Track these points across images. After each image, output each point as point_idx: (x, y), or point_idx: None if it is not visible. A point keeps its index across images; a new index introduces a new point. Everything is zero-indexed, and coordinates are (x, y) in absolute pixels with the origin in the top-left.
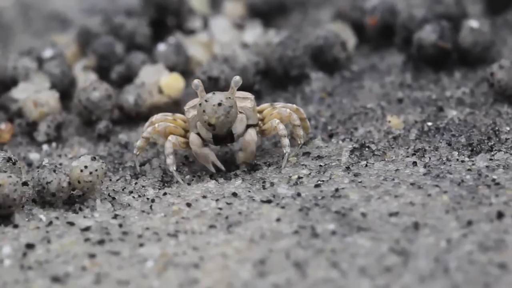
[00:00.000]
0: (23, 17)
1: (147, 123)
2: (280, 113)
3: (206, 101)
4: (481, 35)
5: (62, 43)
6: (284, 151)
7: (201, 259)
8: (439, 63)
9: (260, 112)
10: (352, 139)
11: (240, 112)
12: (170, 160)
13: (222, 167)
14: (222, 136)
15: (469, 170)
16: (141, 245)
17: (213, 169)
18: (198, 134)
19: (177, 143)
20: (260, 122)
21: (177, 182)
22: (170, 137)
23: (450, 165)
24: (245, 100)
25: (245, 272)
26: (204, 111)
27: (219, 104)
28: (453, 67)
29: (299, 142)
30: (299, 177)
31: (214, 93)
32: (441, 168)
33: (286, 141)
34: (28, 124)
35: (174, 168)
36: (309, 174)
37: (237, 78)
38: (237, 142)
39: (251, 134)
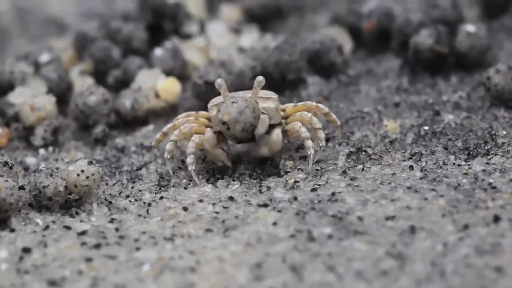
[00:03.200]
0: (20, 22)
1: (169, 125)
2: (301, 116)
3: (223, 102)
4: (477, 39)
5: (59, 47)
6: (309, 153)
7: (197, 263)
8: (436, 67)
9: (284, 110)
10: (348, 143)
11: (263, 113)
12: (190, 159)
13: (230, 164)
14: (243, 135)
15: (465, 174)
16: (138, 249)
17: (220, 164)
18: (220, 132)
19: (201, 143)
20: (283, 121)
21: (175, 183)
22: (194, 137)
23: (447, 169)
24: (268, 100)
25: (241, 276)
26: (219, 110)
27: (234, 103)
28: (449, 71)
29: (320, 145)
30: (296, 181)
31: (236, 93)
32: (438, 172)
33: (309, 143)
34: (24, 129)
35: (193, 168)
36: (306, 178)
37: (260, 78)
38: (258, 141)
39: (278, 134)
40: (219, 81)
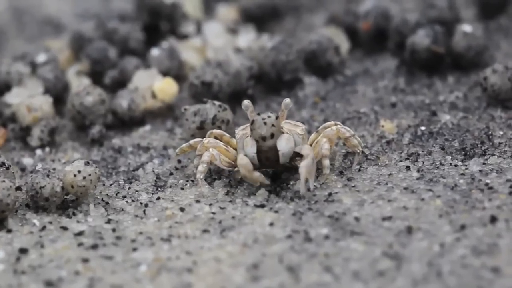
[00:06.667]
0: (17, 22)
1: (197, 140)
2: (326, 135)
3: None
4: (474, 39)
5: (56, 48)
6: (324, 172)
7: (194, 263)
8: (433, 67)
9: (310, 145)
10: (345, 143)
11: (287, 133)
12: (202, 168)
13: (268, 182)
14: (266, 154)
15: (462, 174)
16: (135, 249)
17: (258, 184)
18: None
19: (218, 158)
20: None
21: (172, 183)
22: (212, 150)
23: (444, 170)
24: (296, 127)
25: (238, 276)
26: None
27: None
28: (446, 72)
29: (358, 151)
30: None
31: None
32: (435, 173)
33: (326, 162)
34: (21, 129)
35: (202, 177)
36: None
37: (287, 100)
38: (282, 164)
39: (307, 146)
40: (246, 102)
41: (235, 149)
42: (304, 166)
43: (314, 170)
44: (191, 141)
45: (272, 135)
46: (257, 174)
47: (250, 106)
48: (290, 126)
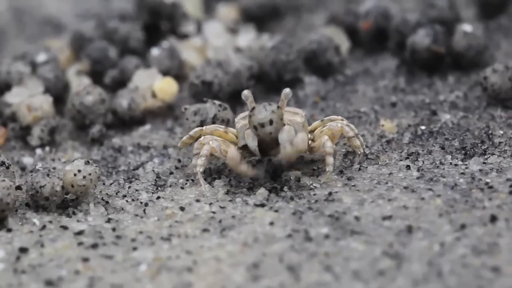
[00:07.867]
0: (17, 22)
1: (197, 129)
2: (330, 129)
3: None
4: (474, 39)
5: (56, 47)
6: (327, 169)
7: (194, 263)
8: (433, 67)
9: (312, 131)
10: (345, 142)
11: (288, 124)
12: (201, 161)
13: (253, 172)
14: (267, 146)
15: (462, 173)
16: (135, 249)
17: (249, 178)
18: (245, 146)
19: (219, 150)
20: (310, 142)
21: (172, 182)
22: (211, 142)
23: (444, 169)
24: (295, 115)
25: (238, 276)
26: (252, 115)
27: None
28: (446, 71)
29: (359, 153)
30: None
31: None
32: (435, 172)
33: (330, 160)
34: (21, 128)
35: (201, 170)
36: (303, 177)
37: (287, 90)
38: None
39: (303, 134)
40: (246, 92)
41: (236, 137)
42: (286, 152)
43: (296, 155)
44: (191, 132)
45: (271, 122)
46: (244, 167)
47: (250, 96)
48: (289, 115)
